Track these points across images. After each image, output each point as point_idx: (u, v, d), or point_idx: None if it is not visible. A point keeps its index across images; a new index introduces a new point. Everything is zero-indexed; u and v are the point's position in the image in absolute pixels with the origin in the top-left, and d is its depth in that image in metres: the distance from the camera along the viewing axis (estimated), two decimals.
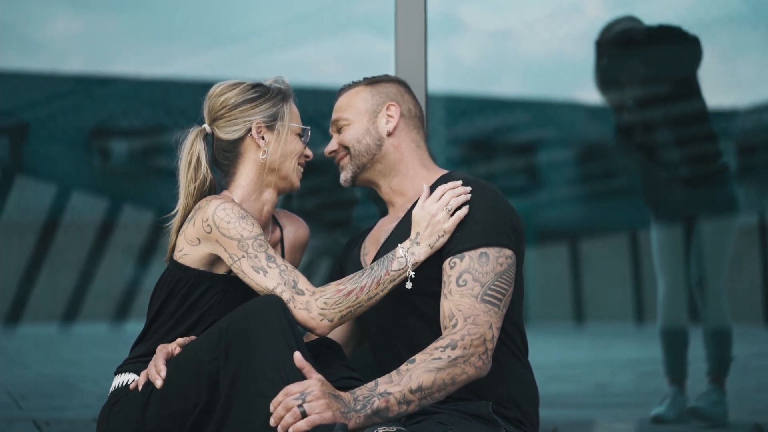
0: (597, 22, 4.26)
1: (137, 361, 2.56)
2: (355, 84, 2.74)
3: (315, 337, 2.62)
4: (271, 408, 2.27)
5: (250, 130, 2.69)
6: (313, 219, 4.55)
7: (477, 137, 15.21)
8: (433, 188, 2.59)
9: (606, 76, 4.29)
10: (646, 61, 4.26)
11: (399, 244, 2.52)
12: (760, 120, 11.39)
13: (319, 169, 3.15)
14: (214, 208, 2.58)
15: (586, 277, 15.57)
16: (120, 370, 2.55)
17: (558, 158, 15.81)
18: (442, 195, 2.56)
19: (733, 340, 4.01)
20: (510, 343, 2.58)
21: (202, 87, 2.79)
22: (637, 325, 13.89)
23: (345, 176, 2.73)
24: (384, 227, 2.71)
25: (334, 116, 2.74)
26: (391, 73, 3.14)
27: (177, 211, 2.67)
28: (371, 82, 2.74)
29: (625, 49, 4.26)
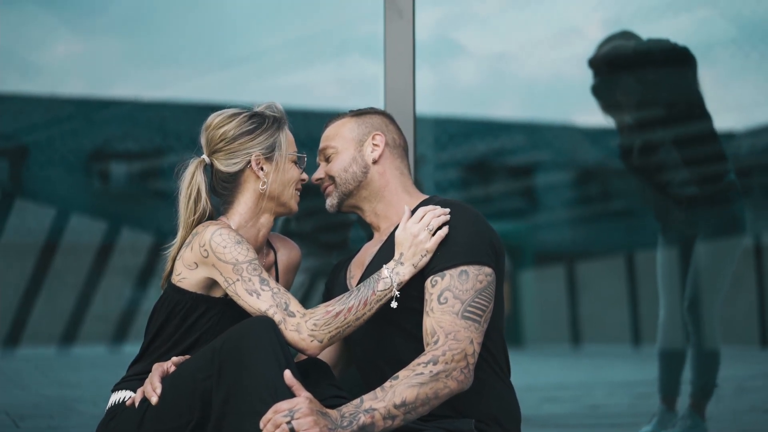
0: (596, 45, 4.30)
1: (134, 379, 2.62)
2: (341, 116, 2.82)
3: (305, 358, 2.68)
4: (261, 425, 2.33)
5: (249, 162, 2.75)
6: (310, 241, 4.61)
7: (474, 160, 15.27)
8: (414, 211, 2.66)
9: (598, 95, 4.32)
10: (641, 78, 4.28)
11: (384, 265, 2.59)
12: (756, 143, 11.46)
13: (315, 192, 3.20)
14: (210, 233, 2.64)
15: (583, 299, 15.60)
16: (117, 388, 2.61)
17: (555, 181, 15.86)
18: (423, 216, 2.63)
19: (719, 366, 4.03)
20: (492, 361, 2.64)
21: (200, 110, 2.85)
22: (634, 346, 13.90)
23: (331, 202, 2.81)
24: (368, 250, 2.78)
25: (322, 145, 2.81)
26: (381, 96, 3.23)
27: (175, 242, 2.73)
28: (357, 114, 2.83)
29: (615, 66, 4.29)
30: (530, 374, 8.23)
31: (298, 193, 2.79)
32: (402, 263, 2.61)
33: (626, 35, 4.36)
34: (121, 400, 2.61)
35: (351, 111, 2.84)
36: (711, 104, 4.23)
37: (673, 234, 4.29)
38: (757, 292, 13.17)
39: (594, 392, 7.18)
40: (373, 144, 2.78)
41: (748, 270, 13.16)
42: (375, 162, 2.78)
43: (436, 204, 2.66)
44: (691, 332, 4.14)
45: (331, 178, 2.80)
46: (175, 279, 2.68)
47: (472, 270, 2.60)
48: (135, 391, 2.59)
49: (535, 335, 15.19)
